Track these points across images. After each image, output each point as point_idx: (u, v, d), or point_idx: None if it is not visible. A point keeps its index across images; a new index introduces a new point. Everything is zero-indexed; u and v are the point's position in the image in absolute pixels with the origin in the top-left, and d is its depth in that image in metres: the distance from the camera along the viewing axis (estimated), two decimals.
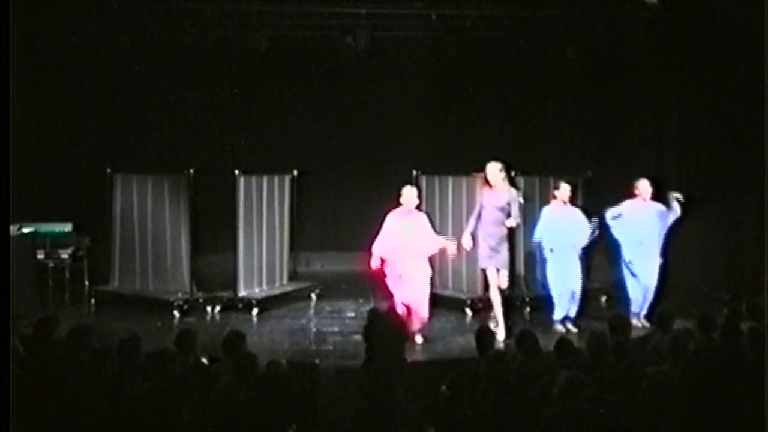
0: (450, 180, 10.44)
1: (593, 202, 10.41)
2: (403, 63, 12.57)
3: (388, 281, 8.82)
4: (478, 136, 12.32)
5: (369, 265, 8.92)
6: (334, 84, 12.71)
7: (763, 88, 8.29)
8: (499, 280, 9.08)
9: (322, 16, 11.57)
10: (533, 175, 10.61)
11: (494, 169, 9.09)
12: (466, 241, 9.10)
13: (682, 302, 9.39)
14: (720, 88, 10.74)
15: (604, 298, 10.58)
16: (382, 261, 8.81)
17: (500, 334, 8.87)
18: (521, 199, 10.08)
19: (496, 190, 9.09)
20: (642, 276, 9.48)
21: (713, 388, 5.23)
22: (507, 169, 9.24)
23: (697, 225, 11.06)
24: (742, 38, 9.91)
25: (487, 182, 9.14)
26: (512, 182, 9.46)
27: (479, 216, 9.13)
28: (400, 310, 8.61)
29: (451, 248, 8.93)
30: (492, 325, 8.53)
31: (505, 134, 12.60)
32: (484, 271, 9.29)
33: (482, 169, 9.26)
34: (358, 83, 12.73)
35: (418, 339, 8.88)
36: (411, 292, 8.77)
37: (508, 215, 9.06)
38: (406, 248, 8.76)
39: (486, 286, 9.99)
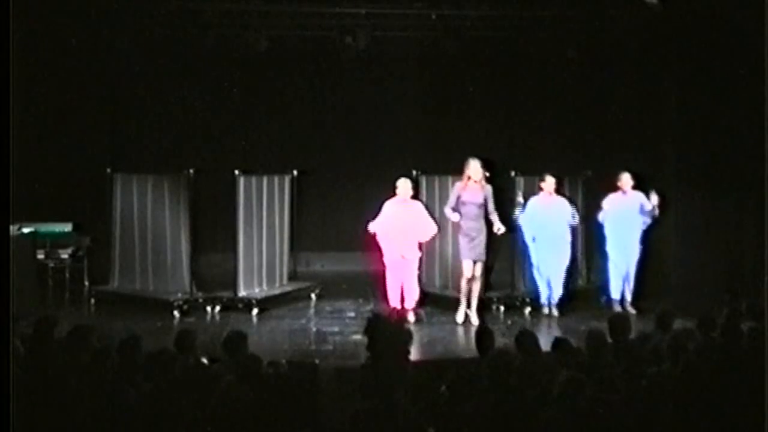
0: (450, 180, 10.43)
1: (593, 201, 10.42)
2: (403, 63, 12.57)
3: (387, 261, 9.68)
4: (478, 136, 12.32)
5: (370, 263, 9.96)
6: (334, 84, 12.71)
7: (763, 88, 8.30)
8: (474, 270, 9.61)
9: (322, 16, 11.56)
10: (533, 175, 10.60)
11: (477, 165, 9.59)
12: (455, 217, 9.57)
13: (682, 302, 9.41)
14: (720, 88, 10.73)
15: (604, 298, 10.58)
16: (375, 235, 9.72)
17: (459, 316, 9.72)
18: (521, 199, 10.18)
19: (475, 187, 9.59)
20: (622, 265, 10.13)
21: (713, 388, 5.24)
22: (485, 166, 9.67)
23: (697, 225, 11.07)
24: (742, 38, 9.90)
25: (467, 178, 9.57)
26: (490, 180, 9.81)
27: (458, 212, 9.59)
28: (395, 290, 9.66)
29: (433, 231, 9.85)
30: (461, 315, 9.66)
31: (505, 134, 12.61)
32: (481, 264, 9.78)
33: (483, 168, 9.68)
34: (358, 83, 12.73)
35: (411, 317, 9.52)
36: (405, 272, 9.68)
37: (485, 210, 9.59)
38: (403, 231, 9.65)
39: (486, 286, 10.12)
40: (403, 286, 9.74)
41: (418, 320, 9.66)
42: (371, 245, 9.63)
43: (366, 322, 4.66)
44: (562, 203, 10.12)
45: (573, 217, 10.12)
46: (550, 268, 10.03)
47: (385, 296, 9.82)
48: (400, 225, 9.66)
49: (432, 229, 9.88)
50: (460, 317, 9.70)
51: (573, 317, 9.87)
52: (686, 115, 11.61)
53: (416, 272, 9.84)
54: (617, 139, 12.40)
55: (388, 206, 9.75)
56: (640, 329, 7.71)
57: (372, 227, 9.68)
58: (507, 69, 12.60)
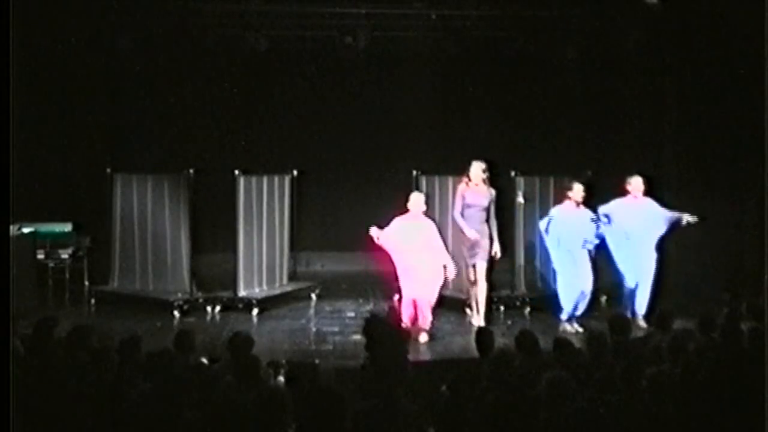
0: (450, 180, 10.42)
1: (593, 201, 10.40)
2: (403, 63, 12.57)
3: (402, 280, 9.06)
4: (478, 136, 12.32)
5: (372, 264, 9.52)
6: (334, 84, 12.71)
7: (763, 88, 8.30)
8: (476, 273, 9.37)
9: (322, 16, 11.56)
10: (533, 175, 10.61)
11: (478, 169, 9.40)
12: (473, 234, 9.28)
13: (682, 302, 9.40)
14: (720, 88, 10.74)
15: (604, 298, 10.57)
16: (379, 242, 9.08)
17: (477, 320, 9.40)
18: (521, 199, 10.16)
19: (479, 190, 9.40)
20: (631, 274, 9.50)
21: (713, 388, 5.23)
22: (489, 168, 9.47)
23: (697, 225, 11.07)
24: (742, 38, 9.91)
25: (468, 180, 9.40)
26: (491, 182, 9.60)
27: (462, 214, 9.38)
28: (408, 307, 8.94)
29: (450, 269, 9.10)
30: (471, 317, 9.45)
31: (505, 134, 12.61)
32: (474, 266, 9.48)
33: (486, 169, 9.47)
34: (358, 83, 12.72)
35: (423, 338, 8.99)
36: (420, 290, 9.01)
37: (487, 214, 9.39)
38: (416, 250, 8.97)
39: (487, 286, 10.08)
40: (416, 304, 9.02)
41: (431, 339, 9.05)
42: (371, 245, 9.57)
43: (364, 323, 4.67)
44: (587, 215, 9.38)
45: (596, 230, 9.38)
46: (577, 285, 9.28)
47: (394, 311, 8.78)
48: (416, 244, 8.98)
49: (441, 257, 9.08)
50: (479, 321, 9.33)
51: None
52: (686, 114, 11.62)
53: (437, 293, 9.13)
54: (617, 139, 12.41)
55: (398, 223, 9.07)
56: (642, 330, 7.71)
57: (376, 233, 8.96)
58: (507, 69, 12.59)
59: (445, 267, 9.09)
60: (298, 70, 12.55)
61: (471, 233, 9.26)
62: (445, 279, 9.23)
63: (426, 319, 9.05)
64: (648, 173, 9.86)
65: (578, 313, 9.43)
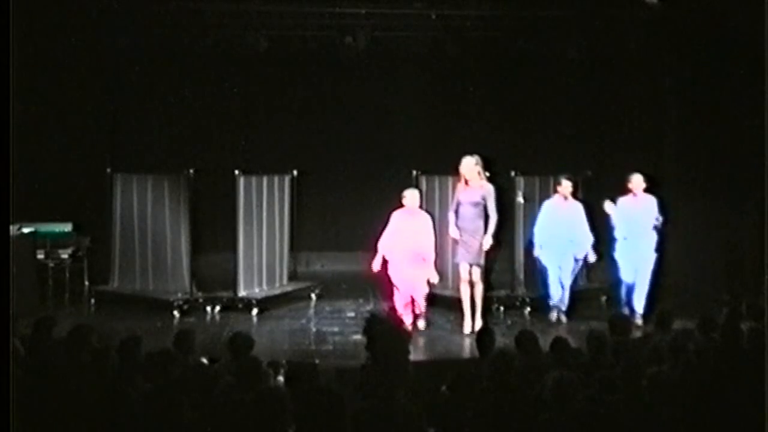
0: (450, 180, 10.42)
1: (593, 201, 10.41)
2: (403, 63, 12.58)
3: (395, 277, 9.18)
4: (478, 136, 12.30)
5: (371, 264, 9.36)
6: (334, 84, 12.71)
7: (763, 88, 8.30)
8: (471, 275, 9.22)
9: (322, 16, 11.57)
10: (533, 175, 10.61)
11: (469, 164, 9.18)
12: (454, 232, 9.26)
13: (682, 302, 9.41)
14: (720, 88, 10.74)
15: (604, 298, 10.58)
16: (384, 262, 9.21)
17: (467, 327, 9.23)
18: (521, 199, 10.15)
19: (471, 186, 9.20)
20: (629, 271, 9.55)
21: (713, 388, 5.24)
22: (483, 163, 9.30)
23: (697, 225, 11.09)
24: (742, 38, 9.91)
25: (462, 177, 9.22)
26: (490, 179, 9.46)
27: (457, 213, 9.28)
28: (402, 304, 9.08)
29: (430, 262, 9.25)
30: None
31: (505, 134, 12.61)
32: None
33: (480, 166, 9.31)
34: (358, 83, 12.72)
35: (421, 325, 9.22)
36: (413, 287, 9.18)
37: (484, 210, 9.15)
38: (411, 245, 9.11)
39: (486, 287, 10.08)
40: (413, 299, 9.23)
41: (428, 325, 9.31)
42: (371, 246, 9.56)
43: (365, 322, 4.66)
44: (577, 208, 9.70)
45: (585, 229, 9.65)
46: (562, 274, 9.64)
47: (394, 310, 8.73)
48: (408, 238, 9.13)
49: (430, 247, 9.28)
50: (467, 327, 9.24)
51: (573, 317, 9.83)
52: (686, 115, 11.63)
53: (426, 288, 9.30)
54: (617, 139, 12.43)
55: (396, 218, 9.25)
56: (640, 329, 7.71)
57: (381, 245, 9.19)
58: (507, 69, 12.60)
59: (425, 260, 9.20)
60: (298, 70, 12.55)
61: (452, 231, 9.22)
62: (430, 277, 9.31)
63: (420, 307, 9.24)
64: (648, 173, 9.85)
65: (562, 301, 9.69)
